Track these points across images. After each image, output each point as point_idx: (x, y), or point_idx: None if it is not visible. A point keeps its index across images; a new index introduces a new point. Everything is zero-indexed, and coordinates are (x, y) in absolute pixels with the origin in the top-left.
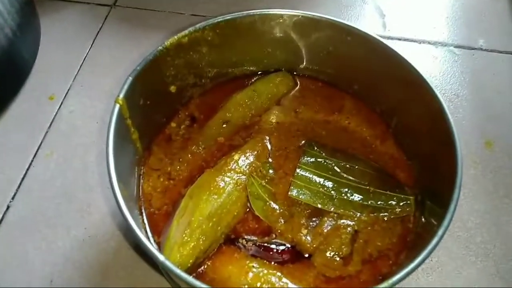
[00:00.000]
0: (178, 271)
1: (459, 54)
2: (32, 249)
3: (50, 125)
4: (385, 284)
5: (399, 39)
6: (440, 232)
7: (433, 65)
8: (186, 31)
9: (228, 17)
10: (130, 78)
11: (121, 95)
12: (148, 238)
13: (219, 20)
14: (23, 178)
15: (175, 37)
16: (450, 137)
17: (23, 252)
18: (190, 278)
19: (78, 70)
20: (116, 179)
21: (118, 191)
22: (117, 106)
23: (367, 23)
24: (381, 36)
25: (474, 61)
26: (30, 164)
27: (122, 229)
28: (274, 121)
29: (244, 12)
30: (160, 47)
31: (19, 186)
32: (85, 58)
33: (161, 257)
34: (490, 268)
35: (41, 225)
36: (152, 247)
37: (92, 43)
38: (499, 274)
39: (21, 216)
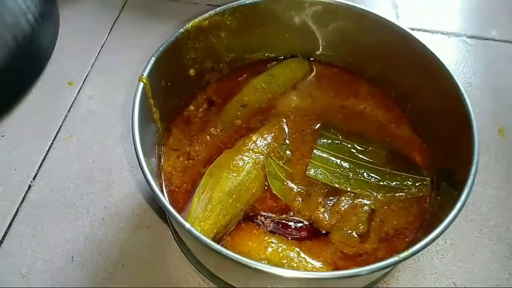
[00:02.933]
0: (202, 236)
1: (471, 44)
2: (53, 228)
3: (69, 109)
4: (396, 258)
5: (412, 29)
6: (453, 213)
7: (446, 55)
8: (207, 14)
9: (248, 1)
10: (153, 58)
11: (145, 74)
12: None
13: (239, 3)
14: (43, 160)
15: (196, 20)
16: (467, 121)
17: (45, 230)
18: (214, 244)
19: (96, 57)
20: (141, 151)
21: (142, 157)
22: (141, 84)
23: (380, 14)
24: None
25: (486, 51)
26: (50, 146)
27: (148, 202)
28: (290, 105)
29: None
30: (181, 29)
31: (40, 167)
32: (102, 46)
33: (186, 225)
34: (504, 251)
35: (61, 204)
36: (177, 214)
37: (109, 31)
38: None
39: (42, 196)
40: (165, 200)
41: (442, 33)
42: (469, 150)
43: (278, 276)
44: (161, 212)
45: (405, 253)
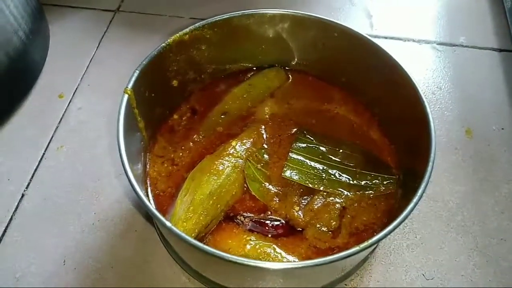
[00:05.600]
0: (181, 233)
1: (441, 50)
2: (46, 234)
3: (60, 121)
4: (365, 243)
5: (385, 38)
6: (414, 200)
7: (417, 61)
8: (187, 29)
9: (224, 16)
10: (137, 71)
11: (129, 86)
12: None
13: (216, 19)
14: (36, 169)
15: (177, 34)
16: (426, 124)
17: (37, 236)
18: (194, 241)
19: (85, 71)
20: (126, 157)
21: (126, 163)
22: (126, 95)
23: (355, 23)
24: (368, 35)
25: (455, 56)
26: (42, 156)
27: (135, 207)
28: (268, 111)
29: (239, 12)
30: (163, 44)
31: (32, 177)
32: (91, 60)
33: (167, 224)
34: (470, 243)
35: (53, 211)
36: (158, 213)
37: (98, 45)
38: (477, 248)
39: (34, 204)
40: (147, 201)
41: (413, 40)
42: (428, 149)
43: (248, 265)
44: (148, 216)
45: (365, 243)
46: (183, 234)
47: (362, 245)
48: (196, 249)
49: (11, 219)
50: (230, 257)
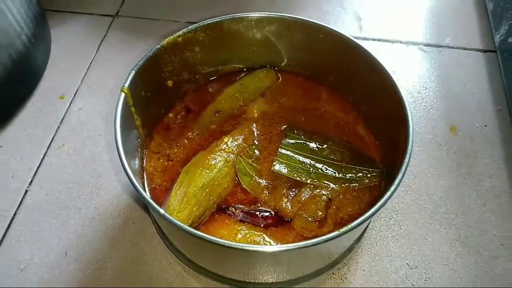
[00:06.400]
0: (176, 220)
1: (428, 51)
2: (48, 227)
3: (61, 121)
4: (344, 228)
5: (374, 40)
6: (392, 188)
7: (404, 62)
8: (181, 32)
9: (216, 20)
10: (133, 72)
11: (126, 85)
12: None
13: (208, 22)
14: (38, 167)
15: (171, 36)
16: (405, 121)
17: (40, 230)
18: (185, 226)
19: (85, 73)
20: (123, 151)
21: (123, 155)
22: (123, 94)
23: (345, 26)
24: (357, 38)
25: (441, 57)
26: (45, 154)
27: (133, 201)
28: (259, 110)
29: (229, 15)
30: (158, 46)
31: (35, 174)
32: (91, 63)
33: (161, 211)
34: (453, 234)
35: (55, 206)
36: (152, 201)
37: (97, 49)
38: (460, 239)
39: (37, 199)
40: (142, 191)
41: (401, 42)
42: (407, 144)
43: (236, 248)
44: (146, 207)
45: (344, 228)
46: (175, 220)
47: (342, 230)
48: (188, 233)
49: (15, 213)
50: (218, 241)
